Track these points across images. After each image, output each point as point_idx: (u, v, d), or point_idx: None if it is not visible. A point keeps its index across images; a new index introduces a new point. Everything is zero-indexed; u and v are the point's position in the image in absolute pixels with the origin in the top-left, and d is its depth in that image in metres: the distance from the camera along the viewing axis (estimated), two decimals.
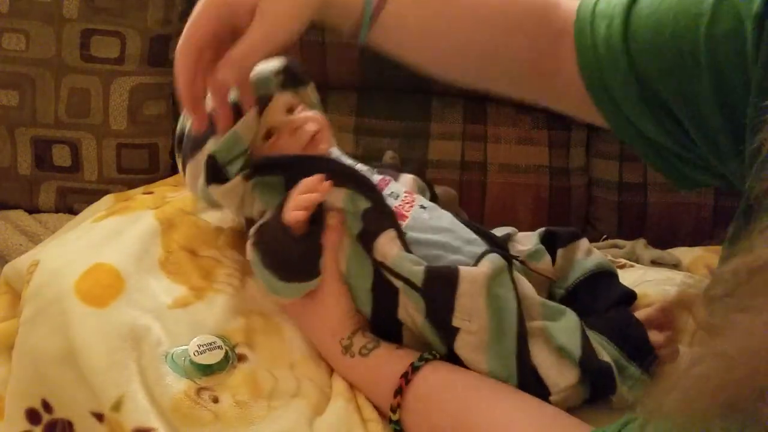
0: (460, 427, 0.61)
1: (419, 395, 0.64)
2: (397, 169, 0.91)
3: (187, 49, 0.67)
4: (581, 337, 0.67)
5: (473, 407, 0.62)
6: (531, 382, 0.65)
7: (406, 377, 0.64)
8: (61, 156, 1.07)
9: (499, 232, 0.80)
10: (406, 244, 0.69)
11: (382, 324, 0.72)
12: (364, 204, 0.71)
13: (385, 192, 0.75)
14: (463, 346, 0.66)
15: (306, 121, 0.78)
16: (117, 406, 0.64)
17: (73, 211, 1.06)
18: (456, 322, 0.66)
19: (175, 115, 1.15)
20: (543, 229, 0.80)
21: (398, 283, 0.68)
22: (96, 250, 0.75)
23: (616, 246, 1.09)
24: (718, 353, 0.38)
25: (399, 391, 0.64)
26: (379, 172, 0.81)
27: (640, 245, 1.06)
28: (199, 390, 0.66)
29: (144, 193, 0.94)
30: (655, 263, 1.00)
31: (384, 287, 0.70)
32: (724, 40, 0.57)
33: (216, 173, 0.73)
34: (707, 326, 0.40)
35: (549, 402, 0.65)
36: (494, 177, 1.19)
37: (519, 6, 0.72)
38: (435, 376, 0.65)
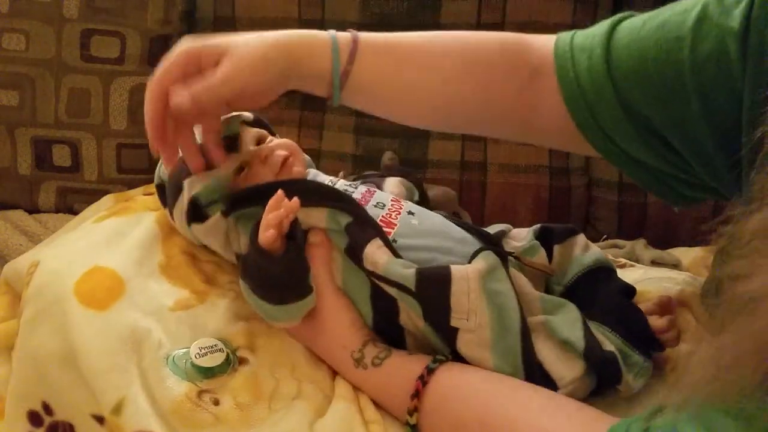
0: (485, 420, 0.60)
1: (438, 396, 0.64)
2: (389, 172, 0.92)
3: (156, 91, 0.68)
4: (583, 328, 0.67)
5: (496, 401, 0.62)
6: (537, 377, 0.65)
7: (423, 379, 0.64)
8: (61, 156, 1.08)
9: (493, 229, 0.80)
10: (395, 251, 0.69)
11: (384, 331, 0.72)
12: (345, 219, 0.71)
13: (371, 203, 0.75)
14: (465, 344, 0.66)
15: (275, 148, 0.78)
16: (117, 410, 0.64)
17: (73, 211, 1.06)
18: (454, 322, 0.66)
19: None
20: (538, 225, 0.80)
21: (392, 291, 0.68)
22: (96, 251, 0.75)
23: (616, 246, 1.09)
24: (747, 298, 0.38)
25: (416, 395, 0.64)
26: (364, 182, 0.81)
27: (640, 245, 1.07)
28: (200, 393, 0.66)
29: (144, 194, 0.94)
30: (655, 263, 1.00)
31: (382, 295, 0.69)
32: (708, 62, 0.58)
33: (197, 213, 0.74)
34: (731, 275, 0.41)
35: None
36: (494, 177, 1.19)
37: (489, 50, 0.73)
38: (451, 375, 0.65)
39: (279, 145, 0.80)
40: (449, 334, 0.66)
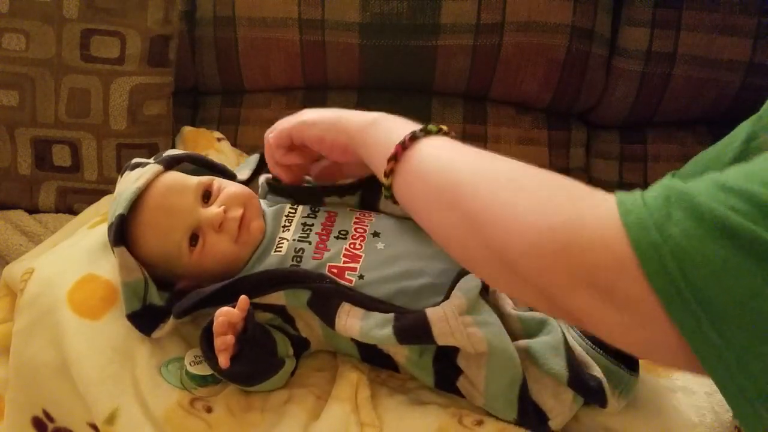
0: (475, 181, 0.53)
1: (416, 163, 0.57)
2: None
3: None
4: (566, 353, 0.66)
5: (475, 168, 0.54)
6: (530, 413, 0.65)
7: (403, 145, 0.58)
8: (61, 156, 1.07)
9: None
10: (365, 302, 0.66)
11: (373, 359, 0.72)
12: (305, 295, 0.68)
13: (332, 235, 0.72)
14: (463, 362, 0.67)
15: (227, 210, 0.72)
16: (111, 420, 0.65)
17: (73, 211, 1.06)
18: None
19: (176, 115, 1.15)
20: None
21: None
22: (90, 258, 0.74)
23: None
24: None
25: (393, 157, 0.58)
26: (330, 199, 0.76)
27: None
28: (193, 400, 0.67)
29: None
30: None
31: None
32: None
33: (146, 324, 0.69)
34: None
35: (548, 426, 0.65)
36: None
37: None
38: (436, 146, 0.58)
39: (230, 201, 0.73)
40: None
